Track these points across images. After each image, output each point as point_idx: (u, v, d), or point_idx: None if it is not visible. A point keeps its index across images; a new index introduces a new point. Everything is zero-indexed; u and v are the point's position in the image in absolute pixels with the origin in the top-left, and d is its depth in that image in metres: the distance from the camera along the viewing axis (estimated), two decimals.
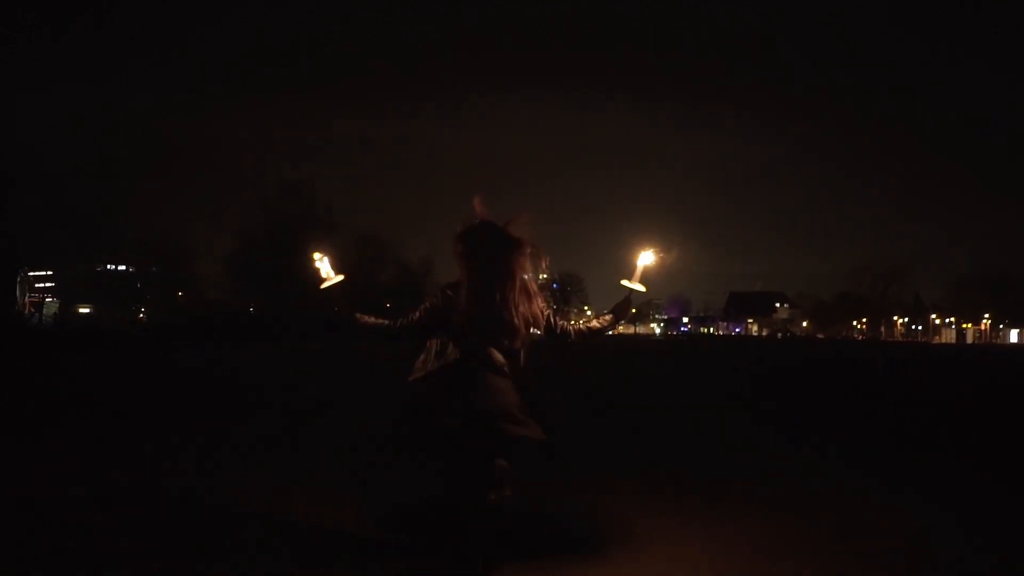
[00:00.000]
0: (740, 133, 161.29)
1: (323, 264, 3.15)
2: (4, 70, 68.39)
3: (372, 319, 3.07)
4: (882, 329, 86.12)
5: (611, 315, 3.27)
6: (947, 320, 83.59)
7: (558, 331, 3.16)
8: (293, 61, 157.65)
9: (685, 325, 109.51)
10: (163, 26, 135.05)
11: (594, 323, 3.28)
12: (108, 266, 64.14)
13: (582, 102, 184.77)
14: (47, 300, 46.98)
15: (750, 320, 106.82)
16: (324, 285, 3.13)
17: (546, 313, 3.12)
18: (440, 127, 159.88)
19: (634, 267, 3.20)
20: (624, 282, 3.22)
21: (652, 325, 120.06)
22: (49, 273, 47.56)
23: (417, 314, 3.00)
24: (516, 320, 2.93)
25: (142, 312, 54.16)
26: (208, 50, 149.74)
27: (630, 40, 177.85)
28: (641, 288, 3.18)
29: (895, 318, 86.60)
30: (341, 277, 3.14)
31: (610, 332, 3.32)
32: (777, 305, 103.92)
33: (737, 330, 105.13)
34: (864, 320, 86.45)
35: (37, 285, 48.02)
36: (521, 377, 2.98)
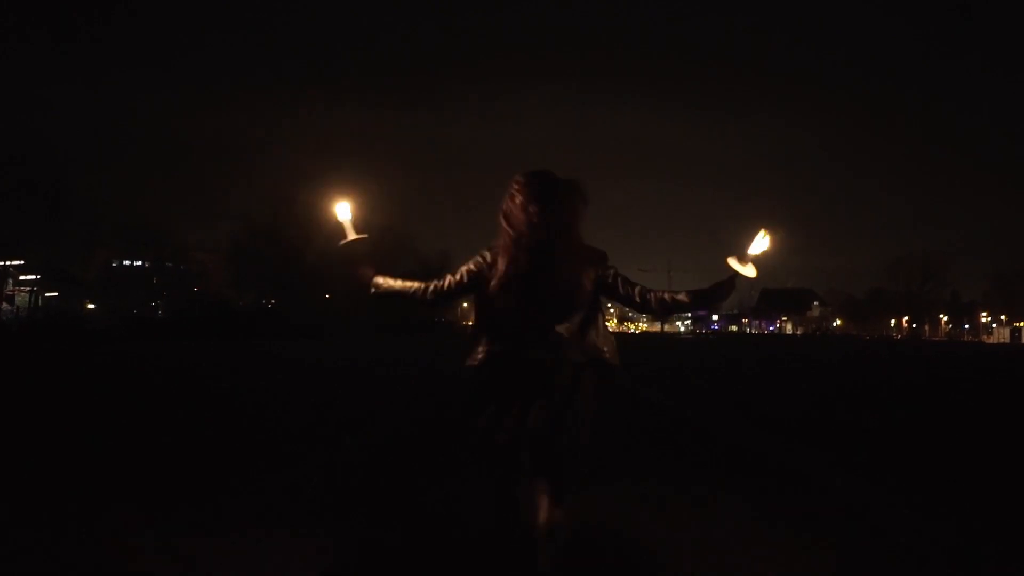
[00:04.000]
0: (765, 130, 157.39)
1: (346, 217, 2.72)
2: (8, 68, 67.67)
3: (399, 283, 2.62)
4: (926, 328, 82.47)
5: (704, 292, 2.64)
6: (988, 318, 79.70)
7: (636, 298, 2.63)
8: (311, 57, 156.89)
9: (715, 323, 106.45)
10: (180, 22, 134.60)
11: (681, 296, 2.66)
12: (124, 262, 63.47)
13: (601, 101, 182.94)
14: (19, 292, 45.48)
15: (784, 318, 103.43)
16: (344, 241, 2.72)
17: (615, 275, 2.63)
18: (459, 123, 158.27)
19: (746, 248, 2.68)
20: (731, 261, 2.68)
21: (677, 323, 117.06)
22: (21, 263, 46.12)
23: (457, 277, 2.58)
24: (580, 282, 2.54)
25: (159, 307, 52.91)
26: (226, 46, 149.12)
27: (654, 40, 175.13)
28: (752, 273, 2.67)
29: (940, 316, 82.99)
30: (365, 235, 2.72)
31: (700, 311, 3.03)
32: (814, 304, 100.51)
33: (771, 328, 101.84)
34: (906, 318, 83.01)
35: (22, 277, 46.61)
36: (597, 358, 2.58)
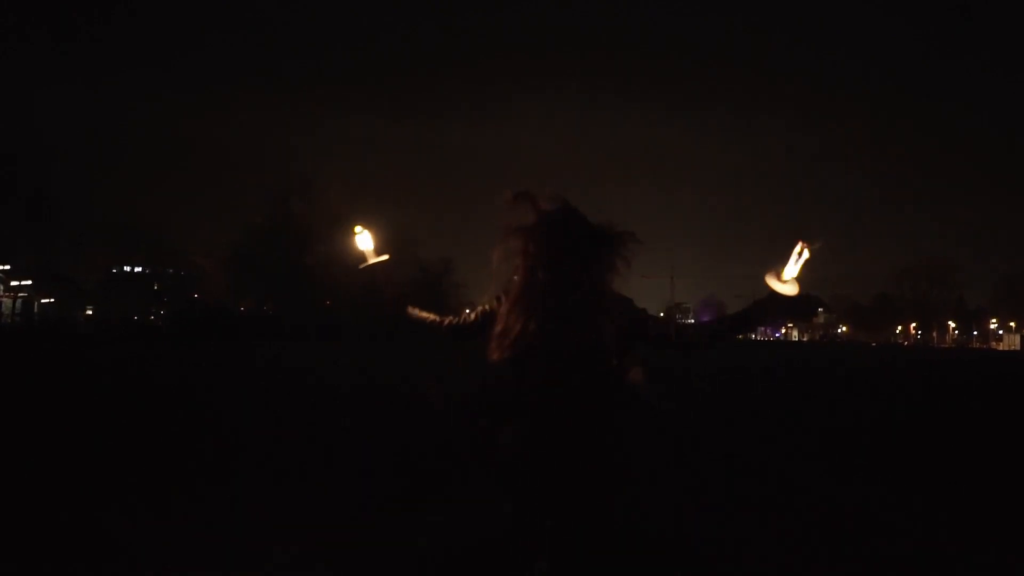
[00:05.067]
0: (765, 135, 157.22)
1: (365, 240, 2.68)
2: (4, 69, 67.47)
3: (423, 313, 2.62)
4: (933, 334, 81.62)
5: (741, 316, 2.47)
6: (995, 324, 78.86)
7: (672, 338, 2.44)
8: (309, 59, 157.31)
9: None
10: (177, 23, 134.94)
11: (719, 326, 2.51)
12: (125, 268, 63.28)
13: (600, 105, 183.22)
14: (3, 297, 45.12)
15: (790, 324, 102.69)
16: (365, 265, 2.70)
17: (643, 319, 2.43)
18: (459, 126, 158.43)
19: (784, 267, 2.48)
20: (770, 280, 2.48)
21: None
22: (8, 268, 45.72)
23: (472, 316, 2.54)
24: (601, 339, 2.29)
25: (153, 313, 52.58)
26: (225, 46, 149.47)
27: (650, 45, 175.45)
28: (793, 291, 2.46)
29: (949, 322, 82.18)
30: (386, 256, 2.69)
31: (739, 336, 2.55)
32: (819, 310, 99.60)
33: (777, 335, 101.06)
34: (913, 325, 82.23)
35: (13, 283, 46.23)
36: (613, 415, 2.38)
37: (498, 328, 2.35)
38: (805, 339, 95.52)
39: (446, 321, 2.58)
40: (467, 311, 2.58)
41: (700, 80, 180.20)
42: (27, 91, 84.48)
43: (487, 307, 2.50)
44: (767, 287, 2.49)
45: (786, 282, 2.49)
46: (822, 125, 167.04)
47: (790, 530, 3.90)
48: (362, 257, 2.68)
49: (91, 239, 46.36)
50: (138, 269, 62.99)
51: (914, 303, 78.18)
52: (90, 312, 47.64)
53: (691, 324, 2.52)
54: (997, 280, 75.67)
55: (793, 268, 2.50)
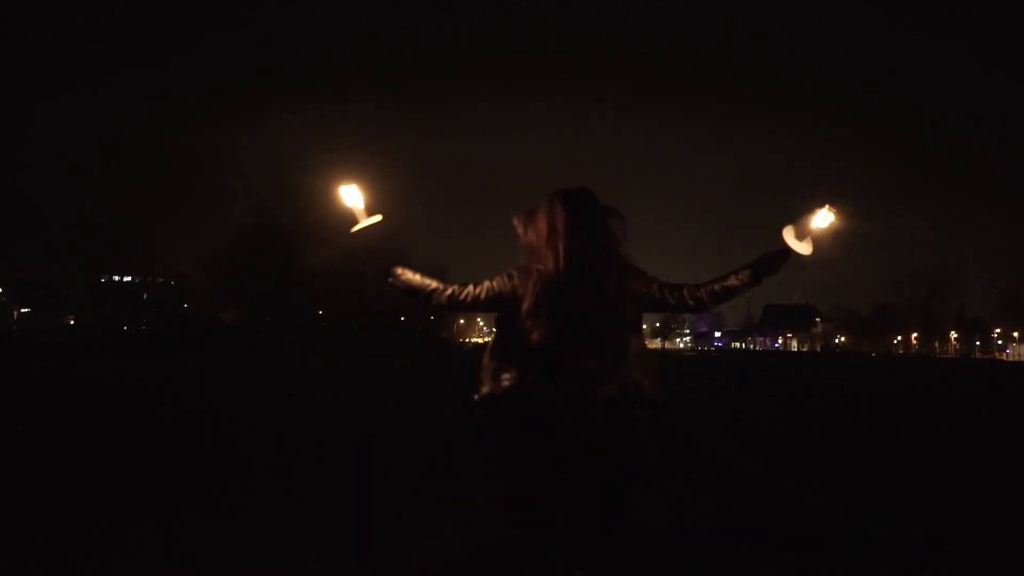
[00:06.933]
0: (760, 143, 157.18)
1: (353, 196, 2.45)
2: None
3: (418, 277, 2.44)
4: (936, 344, 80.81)
5: (752, 268, 2.41)
6: (996, 333, 78.28)
7: (690, 302, 2.43)
8: (304, 63, 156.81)
9: (718, 340, 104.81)
10: (165, 33, 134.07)
11: (731, 280, 2.46)
12: (115, 277, 62.04)
13: (596, 112, 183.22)
14: None
15: (789, 334, 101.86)
16: (357, 228, 2.47)
17: (659, 287, 2.43)
18: (457, 132, 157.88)
19: (805, 222, 2.43)
20: (787, 233, 2.41)
21: (677, 340, 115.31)
22: None
23: (477, 291, 2.40)
24: (626, 302, 2.36)
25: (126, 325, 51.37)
26: (213, 54, 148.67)
27: (650, 45, 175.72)
28: (807, 250, 2.41)
29: (952, 332, 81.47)
30: (379, 217, 2.48)
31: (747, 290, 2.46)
32: (817, 320, 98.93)
33: (776, 345, 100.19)
34: (915, 335, 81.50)
35: None
36: (638, 387, 2.37)
37: (534, 290, 2.30)
38: (805, 348, 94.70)
39: (448, 291, 2.41)
40: (471, 285, 2.40)
41: (700, 81, 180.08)
42: (21, 92, 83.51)
43: (495, 285, 2.38)
44: (780, 240, 2.38)
45: (803, 240, 2.37)
46: (822, 127, 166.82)
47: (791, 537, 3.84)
48: (352, 218, 2.43)
49: (77, 246, 45.23)
50: (127, 278, 61.72)
51: (914, 312, 77.66)
52: (72, 322, 46.38)
53: (704, 288, 2.40)
54: (1003, 289, 75.47)
55: (813, 226, 2.37)
